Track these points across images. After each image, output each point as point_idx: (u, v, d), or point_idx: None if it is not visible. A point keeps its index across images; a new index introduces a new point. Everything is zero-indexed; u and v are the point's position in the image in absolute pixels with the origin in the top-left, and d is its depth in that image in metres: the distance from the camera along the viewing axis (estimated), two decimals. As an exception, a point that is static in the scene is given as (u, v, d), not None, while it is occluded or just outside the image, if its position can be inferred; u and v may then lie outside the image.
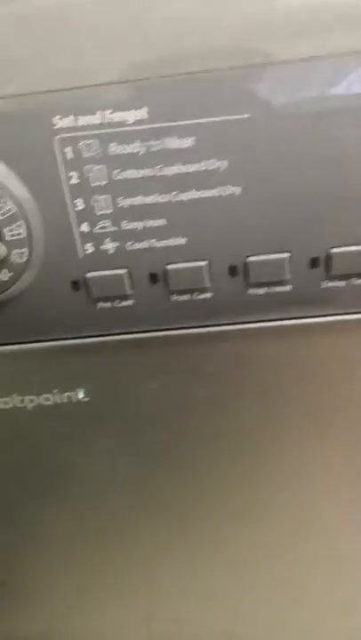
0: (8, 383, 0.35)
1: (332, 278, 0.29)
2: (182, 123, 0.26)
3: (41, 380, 0.35)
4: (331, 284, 0.29)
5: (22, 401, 0.35)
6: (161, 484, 0.40)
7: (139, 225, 0.28)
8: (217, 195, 0.27)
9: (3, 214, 0.27)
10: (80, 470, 0.39)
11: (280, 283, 0.29)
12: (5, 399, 0.35)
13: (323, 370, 0.33)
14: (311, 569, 0.43)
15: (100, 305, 0.30)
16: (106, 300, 0.30)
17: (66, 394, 0.35)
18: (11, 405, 0.36)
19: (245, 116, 0.26)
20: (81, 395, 0.35)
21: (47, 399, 0.35)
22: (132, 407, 0.36)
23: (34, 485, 0.40)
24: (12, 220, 0.27)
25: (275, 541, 0.43)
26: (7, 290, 0.29)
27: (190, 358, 0.33)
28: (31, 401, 0.35)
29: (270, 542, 0.43)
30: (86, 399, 0.35)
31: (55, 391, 0.35)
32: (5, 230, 0.27)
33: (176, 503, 0.41)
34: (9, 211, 0.27)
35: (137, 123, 0.26)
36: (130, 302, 0.30)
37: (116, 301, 0.30)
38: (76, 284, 0.30)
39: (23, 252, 0.28)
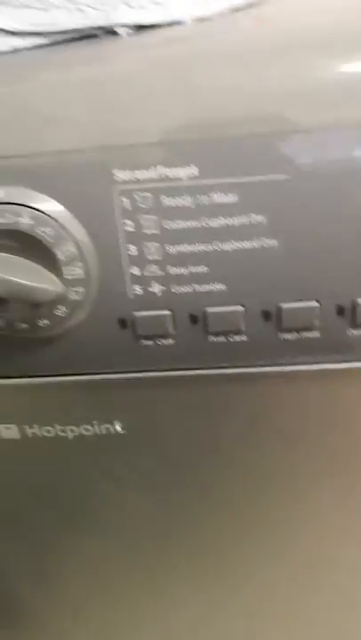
0: (52, 412, 0.37)
1: (357, 326, 0.31)
2: (228, 180, 0.29)
3: (82, 410, 0.37)
4: (355, 331, 0.32)
5: (64, 430, 0.38)
6: (186, 518, 0.42)
7: (183, 270, 0.31)
8: (255, 246, 0.30)
9: (64, 255, 0.30)
10: (111, 500, 0.42)
11: (309, 329, 0.32)
12: (48, 427, 0.38)
13: (346, 414, 0.36)
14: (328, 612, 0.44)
15: (144, 342, 0.33)
16: (149, 338, 0.33)
17: (104, 425, 0.38)
18: (53, 434, 0.38)
19: (282, 176, 0.29)
20: (118, 427, 0.38)
21: (87, 430, 0.38)
22: (164, 442, 0.38)
23: (64, 512, 0.43)
24: (71, 260, 0.30)
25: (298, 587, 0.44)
26: (61, 325, 0.32)
27: (223, 397, 0.36)
28: (72, 431, 0.38)
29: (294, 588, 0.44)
30: (123, 432, 0.38)
31: (95, 422, 0.38)
32: (65, 269, 0.31)
33: (201, 539, 0.43)
34: (70, 252, 0.30)
35: (188, 179, 0.29)
36: (171, 341, 0.33)
37: (159, 340, 0.33)
38: (123, 322, 0.33)
39: (79, 291, 0.31)
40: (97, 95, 0.30)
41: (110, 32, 0.33)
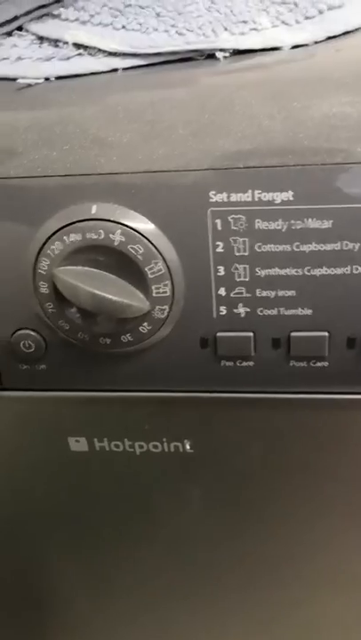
0: (123, 428, 0.38)
1: None
2: (323, 206, 0.29)
3: (154, 428, 0.37)
4: None
5: (132, 446, 0.38)
6: (242, 541, 0.42)
7: (271, 293, 0.31)
8: (346, 272, 0.30)
9: (153, 273, 0.31)
10: (169, 515, 0.42)
11: (394, 358, 0.32)
12: (117, 442, 0.38)
13: None
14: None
15: (224, 363, 0.33)
16: (229, 358, 0.33)
17: (174, 443, 0.38)
18: (121, 449, 0.38)
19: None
20: (188, 446, 0.38)
21: (156, 447, 0.38)
22: (232, 464, 0.38)
23: (123, 524, 0.43)
24: (160, 279, 0.31)
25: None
26: (143, 341, 0.33)
27: (298, 423, 0.36)
28: (140, 447, 0.38)
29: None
30: (191, 451, 0.38)
31: (165, 440, 0.38)
32: (153, 287, 0.31)
33: (259, 561, 0.43)
34: (159, 270, 0.31)
35: (283, 203, 0.29)
36: (250, 363, 0.33)
37: (239, 361, 0.33)
38: (204, 342, 0.33)
39: (164, 309, 0.32)
40: (197, 117, 0.30)
41: (207, 55, 0.33)
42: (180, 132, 0.30)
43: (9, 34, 0.36)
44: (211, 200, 0.30)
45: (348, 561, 0.42)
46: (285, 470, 0.38)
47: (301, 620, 0.46)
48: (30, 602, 0.49)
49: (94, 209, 0.31)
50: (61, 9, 0.35)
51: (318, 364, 0.32)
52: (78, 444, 0.39)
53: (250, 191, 0.30)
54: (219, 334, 0.32)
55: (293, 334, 0.32)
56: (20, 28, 0.37)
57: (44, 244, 0.31)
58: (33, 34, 0.35)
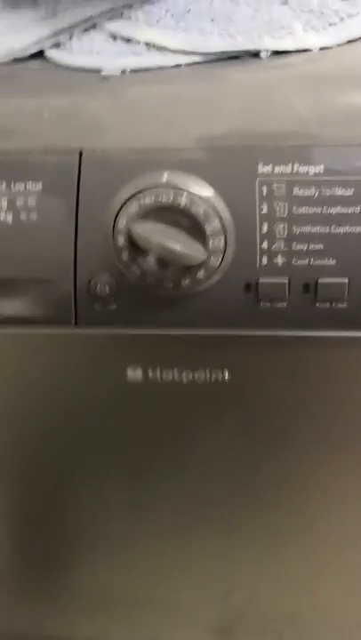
0: (174, 359, 0.46)
1: None
2: (347, 178, 0.38)
3: (197, 360, 0.46)
4: None
5: (180, 375, 0.46)
6: (269, 465, 0.50)
7: (303, 247, 0.39)
8: None
9: (210, 229, 0.39)
10: (208, 443, 0.50)
11: None
12: (168, 371, 0.46)
13: None
14: None
15: (263, 304, 0.42)
16: (267, 301, 0.41)
17: (214, 374, 0.46)
18: (170, 378, 0.47)
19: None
20: (226, 375, 0.46)
21: (200, 376, 0.46)
22: (263, 393, 0.47)
23: (167, 452, 0.51)
24: (216, 234, 0.39)
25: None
26: (201, 285, 0.41)
27: (320, 359, 0.44)
28: (187, 376, 0.46)
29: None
30: (229, 379, 0.46)
31: (207, 370, 0.46)
32: (210, 241, 0.39)
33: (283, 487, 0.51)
34: (215, 227, 0.39)
35: (315, 175, 0.38)
36: (284, 305, 0.41)
37: (275, 303, 0.41)
38: (248, 286, 0.41)
39: (218, 259, 0.40)
40: (248, 104, 0.38)
41: (252, 54, 0.42)
42: (237, 116, 0.38)
43: (86, 30, 0.44)
44: (259, 171, 0.38)
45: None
46: (307, 400, 0.46)
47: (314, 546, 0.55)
48: (66, 529, 0.57)
49: (165, 177, 0.39)
50: (131, 11, 0.43)
51: (339, 306, 0.41)
52: (135, 374, 0.47)
53: (290, 164, 0.38)
54: (260, 280, 0.40)
55: (320, 280, 0.40)
56: (94, 26, 0.45)
57: (123, 204, 0.39)
58: (107, 31, 0.43)
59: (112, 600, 0.61)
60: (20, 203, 0.40)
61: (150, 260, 0.39)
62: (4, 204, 0.40)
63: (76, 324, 0.44)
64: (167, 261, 0.39)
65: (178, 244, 0.38)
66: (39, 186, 0.39)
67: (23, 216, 0.40)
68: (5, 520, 0.57)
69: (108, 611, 0.62)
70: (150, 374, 0.46)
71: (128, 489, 0.52)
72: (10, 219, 0.40)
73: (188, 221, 0.38)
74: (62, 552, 0.59)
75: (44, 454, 0.51)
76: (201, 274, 0.40)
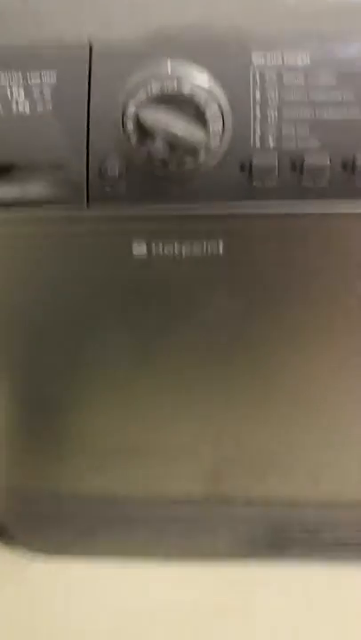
0: (175, 234, 0.52)
1: None
2: (330, 68, 0.43)
3: (195, 235, 0.52)
4: None
5: (180, 248, 0.53)
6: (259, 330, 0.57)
7: (291, 130, 0.45)
8: (345, 116, 0.44)
9: (210, 114, 0.44)
10: (203, 312, 0.57)
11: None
12: (170, 246, 0.53)
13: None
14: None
15: (255, 183, 0.47)
16: (259, 179, 0.47)
17: (210, 247, 0.52)
18: (171, 252, 0.53)
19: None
20: (221, 249, 0.52)
21: (197, 250, 0.52)
22: (255, 264, 0.53)
23: (163, 317, 0.58)
24: (215, 118, 0.44)
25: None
26: (200, 166, 0.46)
27: (306, 233, 0.50)
28: (186, 250, 0.53)
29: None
30: (223, 254, 0.53)
31: (204, 244, 0.52)
32: (210, 125, 0.44)
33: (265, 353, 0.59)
34: (215, 112, 0.44)
35: (302, 64, 0.43)
36: (274, 183, 0.47)
37: (266, 181, 0.47)
38: (242, 167, 0.46)
39: (217, 142, 0.45)
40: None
41: None
42: (234, 11, 0.42)
43: None
44: (253, 61, 0.43)
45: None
46: (291, 268, 0.53)
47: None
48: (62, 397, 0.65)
49: (169, 67, 0.43)
50: None
51: (322, 183, 0.47)
52: (139, 248, 0.53)
53: (280, 55, 0.43)
54: (254, 161, 0.46)
55: (307, 161, 0.46)
56: None
57: (132, 92, 0.44)
58: None
59: (113, 451, 0.69)
60: (36, 94, 0.44)
61: (157, 143, 0.45)
62: (22, 94, 0.44)
63: (87, 204, 0.49)
64: (172, 144, 0.44)
65: (181, 128, 0.44)
66: (53, 77, 0.44)
67: (40, 106, 0.44)
68: (8, 374, 0.64)
69: (109, 462, 0.71)
70: (153, 249, 0.52)
71: (131, 347, 0.59)
72: (27, 108, 0.45)
73: (190, 107, 0.44)
74: (66, 406, 0.67)
75: (54, 317, 0.57)
76: (202, 155, 0.45)
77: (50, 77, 0.43)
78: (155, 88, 0.43)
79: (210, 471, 0.71)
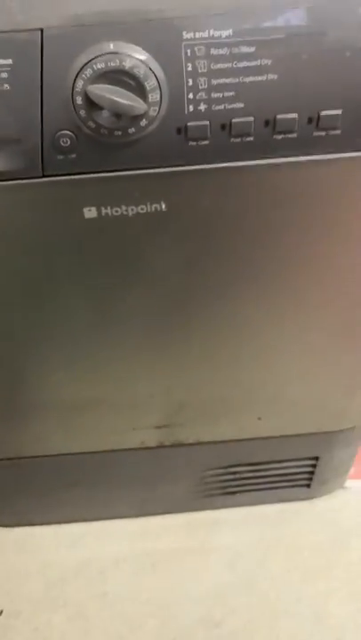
0: (121, 197, 0.58)
1: (319, 129, 0.54)
2: (249, 38, 0.50)
3: (140, 195, 0.58)
4: (317, 133, 0.55)
5: (126, 210, 0.59)
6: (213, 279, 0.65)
7: (219, 95, 0.52)
8: (264, 79, 0.52)
9: (149, 86, 0.51)
10: (154, 264, 0.63)
11: (292, 132, 0.54)
12: (117, 208, 0.59)
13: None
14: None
15: (190, 143, 0.55)
16: (194, 140, 0.54)
17: (154, 205, 0.59)
18: (119, 213, 0.60)
19: (282, 36, 0.50)
20: (164, 206, 0.59)
21: (142, 208, 0.59)
22: (195, 220, 0.60)
23: (118, 272, 0.64)
24: (154, 89, 0.51)
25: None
26: (142, 132, 0.53)
27: (232, 185, 0.58)
28: (132, 210, 0.59)
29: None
30: (165, 210, 0.60)
31: (148, 203, 0.59)
32: (149, 95, 0.51)
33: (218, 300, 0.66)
34: (153, 84, 0.51)
35: (226, 37, 0.50)
36: (207, 142, 0.55)
37: (200, 141, 0.55)
38: (179, 130, 0.53)
39: (155, 109, 0.52)
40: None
41: None
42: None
43: None
44: (184, 37, 0.50)
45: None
46: (227, 219, 0.61)
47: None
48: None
49: (112, 46, 0.50)
50: None
51: (247, 139, 0.54)
52: (90, 212, 0.59)
53: (207, 30, 0.50)
54: (188, 124, 0.53)
55: (234, 120, 0.53)
56: None
57: (80, 70, 0.50)
58: None
59: (71, 407, 0.75)
60: (-6, 76, 0.50)
61: (104, 114, 0.51)
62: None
63: (42, 174, 0.55)
64: (117, 114, 0.51)
65: (125, 99, 0.50)
66: (9, 60, 0.50)
67: (-2, 87, 0.50)
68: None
69: (67, 419, 0.77)
70: (103, 212, 0.59)
71: (85, 304, 0.66)
72: (-15, 90, 0.50)
73: (131, 81, 0.50)
74: (23, 367, 0.72)
75: (12, 279, 0.63)
76: (143, 122, 0.52)
77: (6, 61, 0.49)
78: (100, 66, 0.49)
79: (163, 421, 0.79)
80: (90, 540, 0.96)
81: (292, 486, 0.96)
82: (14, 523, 0.98)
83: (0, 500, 0.94)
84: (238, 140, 0.54)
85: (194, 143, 0.54)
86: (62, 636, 0.86)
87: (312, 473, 0.94)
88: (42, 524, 0.97)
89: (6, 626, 0.87)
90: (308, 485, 0.96)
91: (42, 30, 0.49)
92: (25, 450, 0.83)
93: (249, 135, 0.53)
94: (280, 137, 0.54)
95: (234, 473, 0.92)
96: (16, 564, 0.94)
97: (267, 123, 0.53)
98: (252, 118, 0.53)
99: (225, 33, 0.49)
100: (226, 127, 0.53)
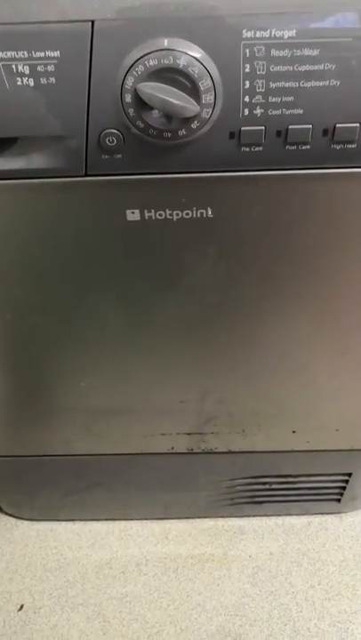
0: (166, 201, 0.56)
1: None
2: (313, 40, 0.47)
3: (186, 199, 0.56)
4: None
5: (171, 214, 0.57)
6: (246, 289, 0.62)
7: (277, 99, 0.49)
8: (326, 85, 0.48)
9: (204, 86, 0.48)
10: (195, 270, 0.61)
11: (352, 142, 0.51)
12: (161, 212, 0.56)
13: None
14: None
15: (243, 149, 0.51)
16: (247, 145, 0.51)
17: (200, 211, 0.56)
18: (163, 217, 0.57)
19: (349, 39, 0.47)
20: (210, 212, 0.56)
21: (188, 214, 0.56)
22: (242, 226, 0.57)
23: (154, 282, 0.62)
24: (208, 90, 0.48)
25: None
26: (193, 135, 0.50)
27: (289, 193, 0.55)
28: (177, 214, 0.57)
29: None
30: (212, 216, 0.57)
31: (194, 208, 0.56)
32: (203, 97, 0.48)
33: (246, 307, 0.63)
34: (208, 84, 0.48)
35: (289, 38, 0.47)
36: (260, 148, 0.51)
37: (253, 147, 0.51)
38: (232, 134, 0.50)
39: (209, 111, 0.49)
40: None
41: None
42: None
43: None
44: (243, 36, 0.47)
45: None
46: (277, 230, 0.57)
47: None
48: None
49: (166, 42, 0.47)
50: None
51: (304, 147, 0.51)
52: (133, 215, 0.56)
53: (268, 30, 0.47)
54: (242, 128, 0.50)
55: (290, 127, 0.50)
56: None
57: (131, 67, 0.47)
58: None
59: (104, 412, 0.73)
60: (40, 69, 0.47)
61: (154, 114, 0.48)
62: (27, 69, 0.47)
63: (86, 173, 0.53)
64: (168, 115, 0.48)
65: (177, 99, 0.47)
66: (57, 53, 0.47)
67: (43, 80, 0.47)
68: (5, 344, 0.67)
69: (100, 423, 0.75)
70: (146, 214, 0.56)
71: (122, 309, 0.63)
72: (31, 83, 0.48)
73: (184, 80, 0.47)
74: (56, 369, 0.70)
75: (49, 281, 0.61)
76: (195, 124, 0.49)
77: (54, 53, 0.46)
78: (152, 63, 0.46)
79: (194, 428, 0.76)
80: (112, 540, 0.94)
81: (322, 500, 0.93)
82: (38, 517, 0.96)
83: (25, 495, 0.92)
84: (294, 147, 0.50)
85: (247, 149, 0.51)
86: (81, 634, 0.84)
87: (343, 488, 0.91)
88: (65, 519, 0.96)
89: (25, 620, 0.86)
90: (339, 500, 0.93)
91: (92, 22, 0.46)
92: (50, 449, 0.81)
93: (306, 143, 0.50)
94: (338, 147, 0.50)
95: (263, 483, 0.89)
96: (38, 559, 0.92)
97: (325, 131, 0.49)
98: (310, 126, 0.49)
99: (287, 33, 0.46)
100: (282, 134, 0.49)
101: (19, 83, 0.47)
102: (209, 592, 0.89)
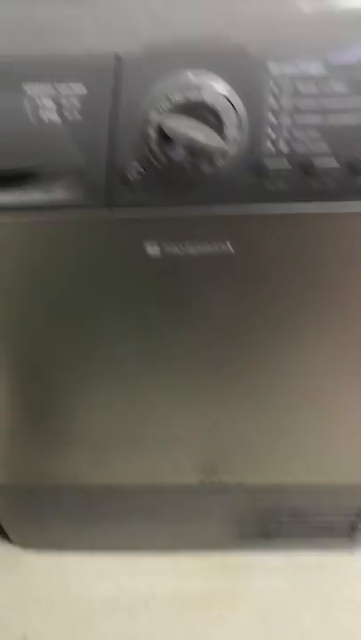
0: (185, 235, 0.54)
1: None
2: (340, 75, 0.46)
3: (207, 235, 0.54)
4: None
5: (191, 249, 0.55)
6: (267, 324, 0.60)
7: (303, 135, 0.48)
8: (352, 121, 0.47)
9: (229, 121, 0.47)
10: (210, 309, 0.59)
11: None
12: (180, 246, 0.55)
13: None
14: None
15: (267, 185, 0.50)
16: (271, 181, 0.50)
17: (221, 246, 0.55)
18: (183, 252, 0.56)
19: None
20: (231, 248, 0.55)
21: (208, 249, 0.55)
22: (261, 262, 0.56)
23: (171, 314, 0.60)
24: (233, 124, 0.47)
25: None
26: (216, 169, 0.49)
27: (318, 233, 0.53)
28: (197, 249, 0.55)
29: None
30: (233, 253, 0.55)
31: (214, 244, 0.55)
32: (228, 132, 0.47)
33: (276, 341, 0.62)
34: (232, 120, 0.47)
35: (316, 74, 0.46)
36: (285, 185, 0.50)
37: (278, 183, 0.50)
38: (256, 170, 0.49)
39: (234, 146, 0.48)
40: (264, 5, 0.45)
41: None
42: (251, 20, 0.45)
43: None
44: (269, 70, 0.46)
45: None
46: (300, 268, 0.56)
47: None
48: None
49: (191, 76, 0.46)
50: None
51: (330, 185, 0.50)
52: (152, 249, 0.55)
53: (295, 63, 0.46)
54: (267, 164, 0.49)
55: (316, 164, 0.49)
56: None
57: (155, 101, 0.46)
58: None
59: (115, 443, 0.72)
60: (64, 103, 0.46)
61: (177, 149, 0.47)
62: (50, 104, 0.46)
63: (108, 208, 0.52)
64: (192, 150, 0.47)
65: (202, 135, 0.46)
66: (82, 87, 0.46)
67: (67, 114, 0.47)
68: (15, 371, 0.66)
69: (110, 453, 0.73)
70: (166, 249, 0.55)
71: (137, 342, 0.62)
72: (55, 117, 0.47)
73: (209, 115, 0.46)
74: (67, 399, 0.69)
75: (67, 314, 0.59)
76: (219, 160, 0.48)
77: (78, 87, 0.45)
78: (177, 97, 0.46)
79: (206, 459, 0.74)
80: (119, 575, 0.92)
81: (334, 536, 0.91)
82: (44, 546, 0.95)
83: (32, 523, 0.90)
84: (319, 184, 0.49)
85: (271, 186, 0.49)
86: (84, 674, 0.82)
87: (357, 524, 0.89)
88: (71, 549, 0.94)
89: (26, 654, 0.84)
90: (351, 537, 0.90)
91: (118, 56, 0.45)
92: (57, 478, 0.79)
93: (332, 181, 0.49)
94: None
95: (274, 517, 0.87)
96: (42, 590, 0.90)
97: (352, 169, 0.48)
98: (336, 163, 0.48)
99: (315, 68, 0.45)
100: (307, 170, 0.48)
101: (42, 116, 0.46)
102: (217, 632, 0.86)
